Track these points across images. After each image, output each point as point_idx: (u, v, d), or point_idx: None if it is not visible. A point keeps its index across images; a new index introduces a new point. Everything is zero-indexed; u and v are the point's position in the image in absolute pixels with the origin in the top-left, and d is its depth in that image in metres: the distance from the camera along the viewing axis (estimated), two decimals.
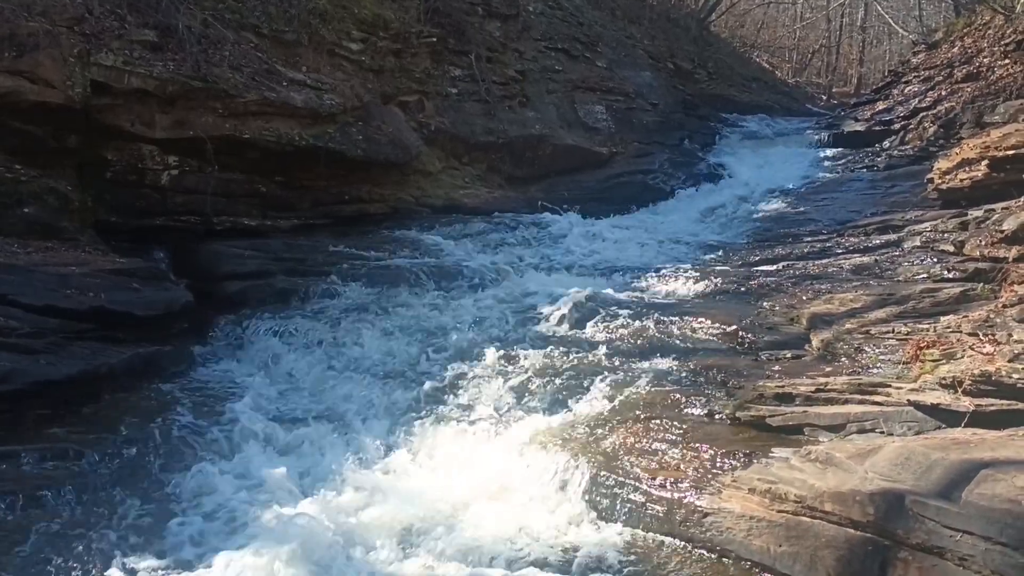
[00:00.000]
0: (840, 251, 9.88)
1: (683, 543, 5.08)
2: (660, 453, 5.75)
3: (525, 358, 7.56)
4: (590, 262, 10.77)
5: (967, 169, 9.61)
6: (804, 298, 8.33)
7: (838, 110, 21.41)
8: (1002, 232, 7.93)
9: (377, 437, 6.53)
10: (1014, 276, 7.26)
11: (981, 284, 7.48)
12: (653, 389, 6.78)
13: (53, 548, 4.97)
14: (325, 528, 5.29)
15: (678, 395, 6.63)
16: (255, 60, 10.53)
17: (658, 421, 6.17)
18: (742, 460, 5.47)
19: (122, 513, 5.40)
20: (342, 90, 11.33)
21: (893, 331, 6.94)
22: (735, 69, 24.13)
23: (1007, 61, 13.49)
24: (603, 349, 7.66)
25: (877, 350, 6.72)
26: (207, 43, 9.97)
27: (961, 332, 6.30)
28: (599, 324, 8.21)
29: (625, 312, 8.42)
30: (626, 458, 5.75)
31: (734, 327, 7.79)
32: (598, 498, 5.51)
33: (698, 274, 9.62)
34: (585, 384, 7.02)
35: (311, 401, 7.29)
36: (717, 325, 7.89)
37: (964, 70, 14.65)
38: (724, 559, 4.91)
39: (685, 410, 6.40)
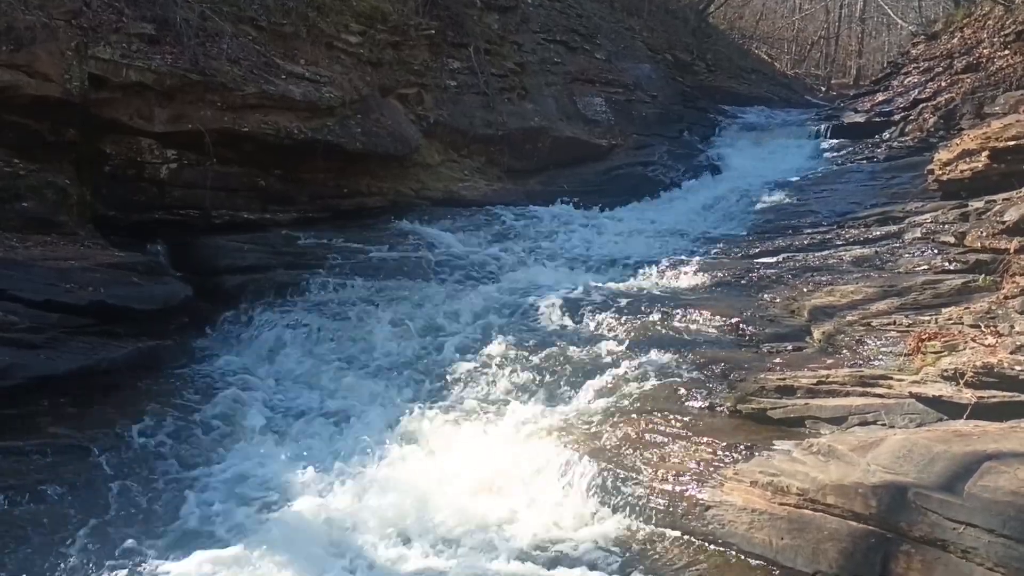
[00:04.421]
0: (840, 243, 9.85)
1: (685, 536, 5.07)
2: (661, 446, 5.74)
3: (525, 351, 7.55)
4: (590, 255, 10.76)
5: (967, 160, 9.56)
6: (805, 290, 8.31)
7: (837, 101, 21.36)
8: (1003, 223, 7.90)
9: (377, 430, 6.52)
10: (1016, 267, 7.24)
11: (983, 275, 7.46)
12: (654, 382, 6.77)
13: (54, 543, 4.97)
14: (325, 521, 5.30)
15: (679, 388, 6.62)
16: (253, 53, 10.49)
17: (659, 414, 6.16)
18: (744, 453, 5.46)
19: (123, 508, 5.41)
20: (340, 83, 11.30)
21: (894, 323, 6.92)
22: (734, 61, 24.11)
23: (1007, 52, 13.44)
24: (603, 342, 7.65)
25: (878, 342, 6.69)
26: (205, 36, 9.93)
27: (963, 324, 6.29)
28: (599, 317, 8.20)
29: (625, 305, 8.42)
30: (627, 451, 5.74)
31: (735, 319, 7.78)
32: (599, 491, 5.50)
33: (698, 266, 9.60)
34: (586, 377, 7.01)
35: (311, 394, 7.28)
36: (718, 317, 7.88)
37: (964, 61, 14.59)
38: (726, 552, 4.91)
39: (686, 403, 6.39)
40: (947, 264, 8.15)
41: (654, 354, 7.28)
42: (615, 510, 5.37)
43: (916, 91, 15.43)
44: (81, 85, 8.61)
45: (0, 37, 8.14)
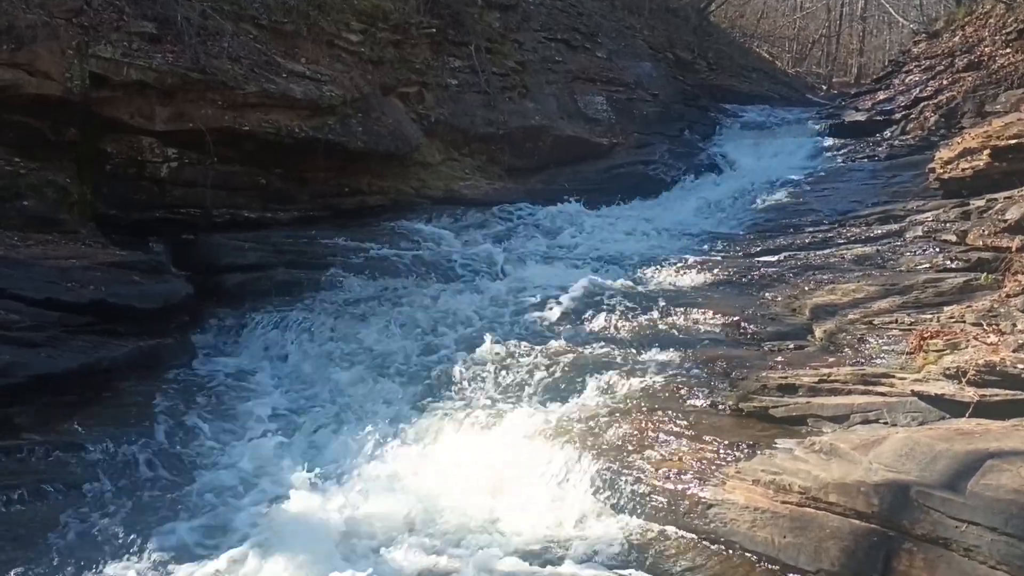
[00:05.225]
0: (842, 241, 9.84)
1: (687, 534, 5.06)
2: (663, 445, 5.73)
3: (526, 350, 7.53)
4: (590, 253, 10.74)
5: (969, 159, 9.55)
6: (806, 289, 8.31)
7: (838, 100, 21.31)
8: (1005, 221, 7.89)
9: (378, 430, 6.51)
10: (1017, 265, 7.23)
11: (984, 274, 7.44)
12: (655, 381, 6.76)
13: (55, 542, 4.97)
14: (326, 521, 5.29)
15: (681, 387, 6.62)
16: (254, 52, 10.50)
17: (661, 413, 6.16)
18: (746, 451, 5.46)
19: (124, 507, 5.41)
20: (341, 81, 11.30)
21: (896, 321, 6.91)
22: (735, 59, 24.05)
23: (1008, 50, 13.43)
24: (605, 341, 7.64)
25: (880, 340, 6.68)
26: (206, 35, 9.94)
27: (965, 322, 6.28)
28: (600, 316, 8.19)
29: (626, 304, 8.41)
30: (629, 450, 5.73)
31: (736, 318, 7.78)
32: (601, 490, 5.49)
33: (699, 265, 9.60)
34: (587, 376, 7.00)
35: (312, 393, 7.29)
36: (719, 316, 7.88)
37: (965, 59, 14.58)
38: (728, 550, 4.89)
39: (688, 402, 6.39)
40: (949, 262, 8.13)
41: (655, 353, 7.28)
42: (616, 509, 5.35)
43: (917, 89, 15.40)
44: (82, 84, 8.61)
45: (1, 36, 8.15)
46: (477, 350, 7.61)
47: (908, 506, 4.35)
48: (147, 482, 5.71)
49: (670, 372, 6.90)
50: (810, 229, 10.61)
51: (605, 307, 8.36)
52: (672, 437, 5.80)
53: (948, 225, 8.92)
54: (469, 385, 7.13)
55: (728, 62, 23.24)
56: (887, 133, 14.90)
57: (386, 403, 7.02)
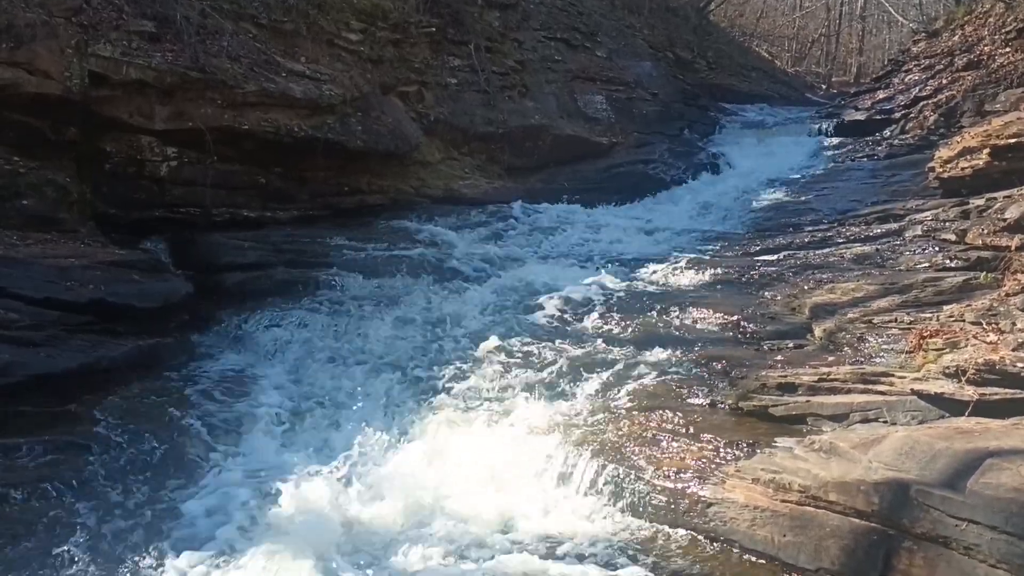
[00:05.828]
0: (841, 240, 9.84)
1: (687, 533, 5.07)
2: (663, 443, 5.74)
3: (526, 349, 7.55)
4: (590, 252, 10.74)
5: (968, 158, 9.56)
6: (806, 288, 8.31)
7: (838, 99, 21.35)
8: (1004, 220, 7.90)
9: (378, 428, 6.50)
10: (1017, 264, 7.24)
11: (984, 273, 7.44)
12: (655, 380, 6.77)
13: (55, 541, 4.96)
14: (326, 520, 5.29)
15: (680, 385, 6.62)
16: (254, 51, 10.48)
17: (660, 412, 6.16)
18: (745, 450, 5.47)
19: (124, 506, 5.40)
20: (341, 81, 11.29)
21: (896, 320, 6.92)
22: (735, 59, 24.09)
23: (1008, 49, 13.44)
24: (604, 340, 7.65)
25: (880, 339, 6.69)
26: (205, 34, 9.93)
27: (964, 321, 6.28)
28: (600, 315, 8.20)
29: (626, 302, 8.42)
30: (629, 449, 5.73)
31: (736, 317, 7.78)
32: (600, 489, 5.50)
33: (699, 264, 9.59)
34: (586, 375, 7.00)
35: (312, 392, 7.27)
36: (719, 315, 7.88)
37: (965, 58, 14.59)
38: (728, 549, 4.90)
39: (688, 400, 6.39)
40: (948, 261, 8.13)
41: (655, 352, 7.28)
42: (616, 507, 5.36)
43: (917, 89, 15.41)
44: (81, 83, 8.60)
45: (0, 35, 8.13)
46: (477, 349, 7.62)
47: (908, 505, 4.36)
48: (146, 482, 5.69)
49: (670, 371, 6.91)
50: (809, 228, 10.62)
51: (604, 306, 8.37)
52: (672, 436, 5.80)
53: (947, 224, 8.93)
54: (468, 384, 7.12)
55: (728, 61, 23.28)
56: (887, 132, 14.91)
57: (386, 402, 7.01)
